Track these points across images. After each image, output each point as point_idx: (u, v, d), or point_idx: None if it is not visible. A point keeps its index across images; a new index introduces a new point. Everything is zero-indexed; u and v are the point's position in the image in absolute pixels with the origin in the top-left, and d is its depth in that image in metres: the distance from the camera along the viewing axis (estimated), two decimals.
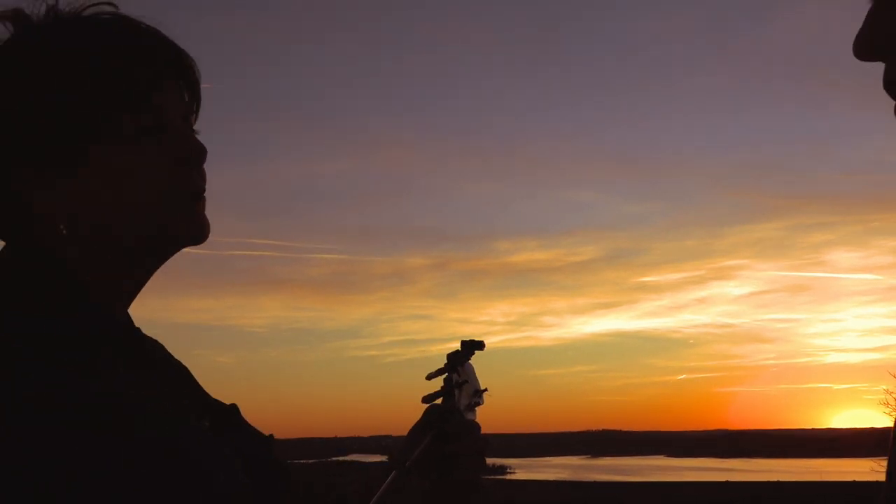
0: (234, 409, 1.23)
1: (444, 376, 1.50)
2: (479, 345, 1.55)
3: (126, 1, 1.16)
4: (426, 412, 1.47)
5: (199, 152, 1.14)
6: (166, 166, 1.10)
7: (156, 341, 1.21)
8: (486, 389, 1.55)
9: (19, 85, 1.09)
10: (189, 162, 1.13)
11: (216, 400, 1.23)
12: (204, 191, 1.15)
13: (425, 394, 1.50)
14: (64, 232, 1.08)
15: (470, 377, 1.52)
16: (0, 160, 1.08)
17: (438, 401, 1.49)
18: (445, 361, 1.51)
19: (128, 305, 1.16)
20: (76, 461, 0.93)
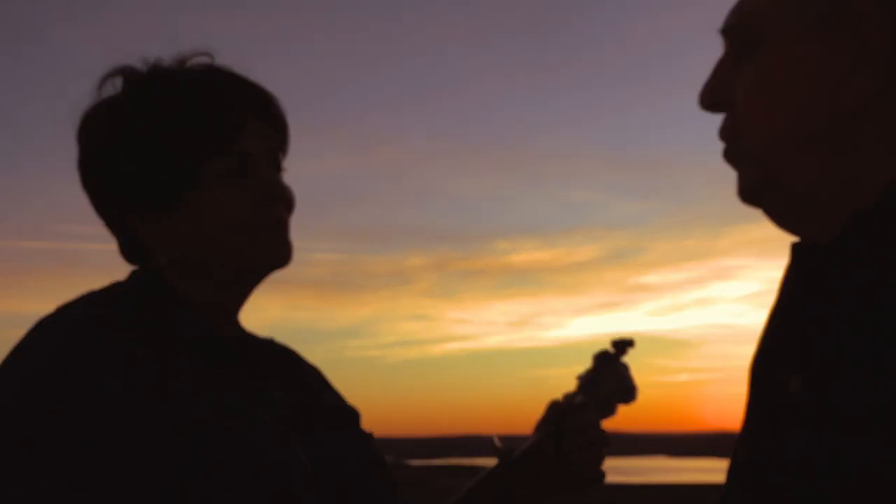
0: (349, 412, 1.36)
1: (583, 375, 1.45)
2: (630, 342, 1.47)
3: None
4: (546, 408, 1.48)
5: (279, 192, 1.25)
6: (249, 205, 1.22)
7: (284, 348, 1.38)
8: (636, 388, 1.47)
9: (124, 138, 1.22)
10: (271, 200, 1.24)
11: (340, 404, 1.36)
12: (286, 219, 1.26)
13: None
14: (164, 263, 1.24)
15: (614, 376, 1.45)
16: (115, 204, 1.25)
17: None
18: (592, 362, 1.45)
19: (233, 318, 1.30)
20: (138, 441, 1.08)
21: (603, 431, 1.46)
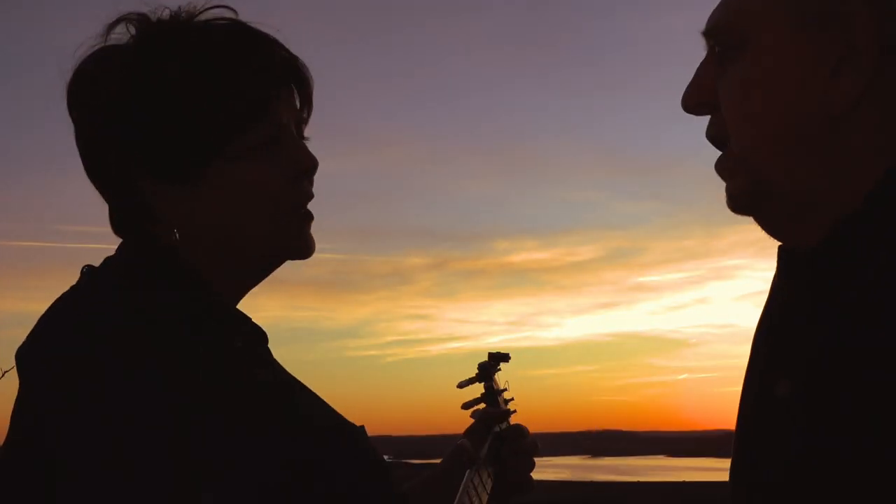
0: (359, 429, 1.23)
1: (484, 384, 1.58)
2: (505, 357, 1.64)
3: None
4: (481, 415, 1.55)
5: (313, 164, 1.14)
6: (281, 180, 1.11)
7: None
8: (512, 398, 1.64)
9: (147, 94, 1.07)
10: (305, 175, 1.14)
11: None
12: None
13: (463, 402, 1.58)
14: (176, 237, 1.11)
15: (499, 387, 1.61)
16: (126, 164, 1.10)
17: (479, 406, 1.57)
18: (477, 371, 1.60)
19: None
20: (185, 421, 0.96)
21: (534, 439, 1.53)
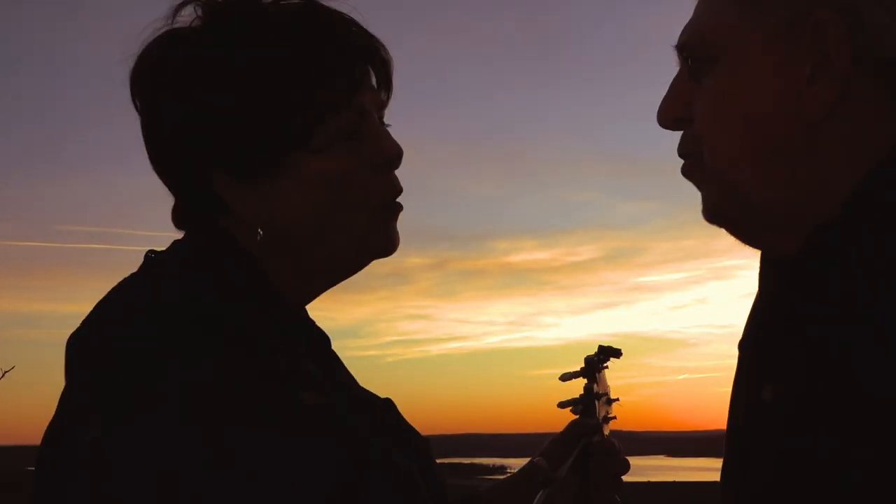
0: (389, 403, 1.15)
1: (585, 384, 1.41)
2: (617, 352, 1.45)
3: None
4: (570, 427, 1.40)
5: (399, 153, 1.05)
6: (368, 171, 1.03)
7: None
8: (617, 399, 1.47)
9: (226, 80, 0.99)
10: (391, 164, 1.05)
11: (369, 392, 1.16)
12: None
13: (560, 400, 1.41)
14: (261, 235, 1.02)
15: (603, 385, 1.43)
16: (196, 157, 1.01)
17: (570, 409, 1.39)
18: (583, 365, 1.42)
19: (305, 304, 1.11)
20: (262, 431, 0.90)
21: (625, 458, 1.39)
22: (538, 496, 1.28)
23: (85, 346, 0.97)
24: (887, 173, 0.83)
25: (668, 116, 0.93)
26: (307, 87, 0.99)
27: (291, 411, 0.92)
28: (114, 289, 1.01)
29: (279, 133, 0.99)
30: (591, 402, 1.39)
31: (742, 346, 0.94)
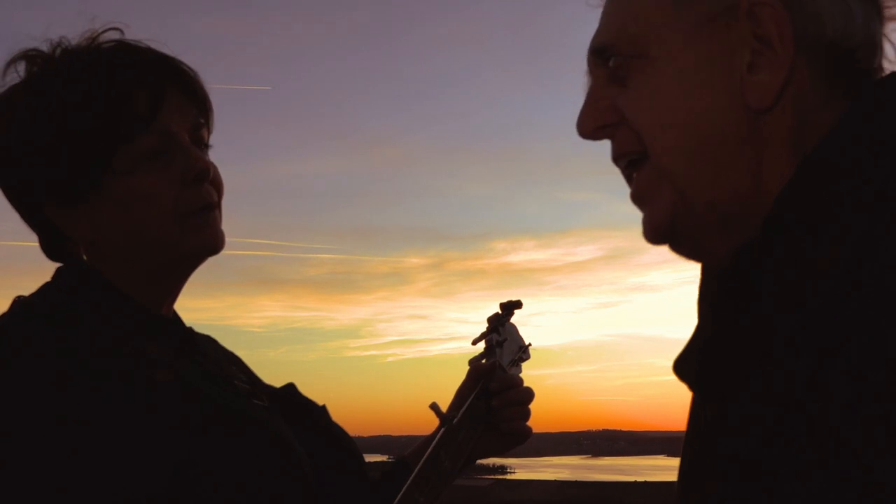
0: (290, 387, 1.33)
1: (486, 337, 1.56)
2: (517, 304, 1.62)
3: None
4: (470, 371, 1.54)
5: (203, 170, 1.16)
6: (174, 187, 1.14)
7: (207, 336, 1.32)
8: (530, 344, 1.62)
9: (31, 126, 1.13)
10: (200, 178, 1.16)
11: (268, 384, 1.33)
12: (216, 203, 1.19)
13: (470, 357, 1.55)
14: (86, 253, 1.17)
15: (512, 335, 1.59)
16: (29, 196, 1.17)
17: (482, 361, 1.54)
18: (486, 325, 1.57)
19: (170, 305, 1.23)
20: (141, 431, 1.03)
21: (528, 388, 1.52)
22: (438, 434, 1.41)
23: None
24: (815, 166, 0.79)
25: (591, 126, 0.88)
26: (101, 118, 1.11)
27: (139, 387, 1.06)
28: None
29: (81, 160, 1.12)
30: (491, 349, 1.54)
31: (677, 367, 0.89)
